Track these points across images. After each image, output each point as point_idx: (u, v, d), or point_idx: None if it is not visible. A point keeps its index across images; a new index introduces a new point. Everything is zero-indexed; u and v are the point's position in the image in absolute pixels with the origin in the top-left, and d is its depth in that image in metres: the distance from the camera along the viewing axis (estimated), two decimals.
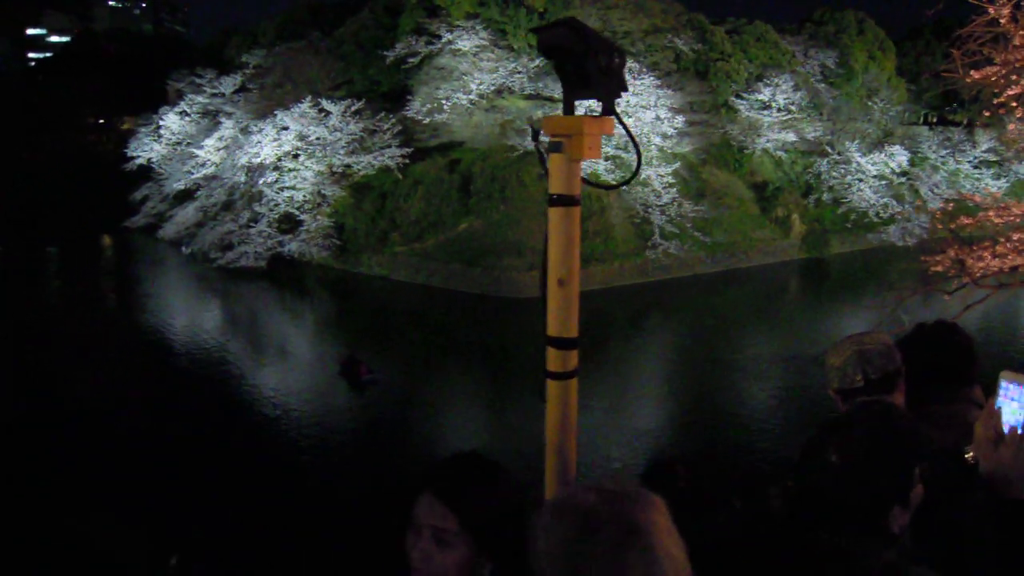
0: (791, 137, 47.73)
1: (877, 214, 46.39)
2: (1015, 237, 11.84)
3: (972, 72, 10.53)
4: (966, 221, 13.02)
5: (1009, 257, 11.77)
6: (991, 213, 12.45)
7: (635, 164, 2.96)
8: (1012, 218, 12.31)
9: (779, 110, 47.77)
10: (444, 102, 42.74)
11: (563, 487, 2.09)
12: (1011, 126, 10.77)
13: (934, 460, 2.41)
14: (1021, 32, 8.94)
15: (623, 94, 2.04)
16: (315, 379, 26.43)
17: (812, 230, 46.64)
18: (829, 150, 48.50)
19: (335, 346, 29.35)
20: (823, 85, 52.25)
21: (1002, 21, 9.54)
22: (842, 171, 47.67)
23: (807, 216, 46.94)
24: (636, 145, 2.34)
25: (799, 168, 48.64)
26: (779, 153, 48.24)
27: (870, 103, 53.61)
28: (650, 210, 39.90)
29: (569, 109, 2.03)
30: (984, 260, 11.98)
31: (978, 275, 12.34)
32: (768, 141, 47.40)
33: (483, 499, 2.03)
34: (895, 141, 50.60)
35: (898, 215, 45.08)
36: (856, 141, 48.79)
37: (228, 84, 52.08)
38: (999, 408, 1.87)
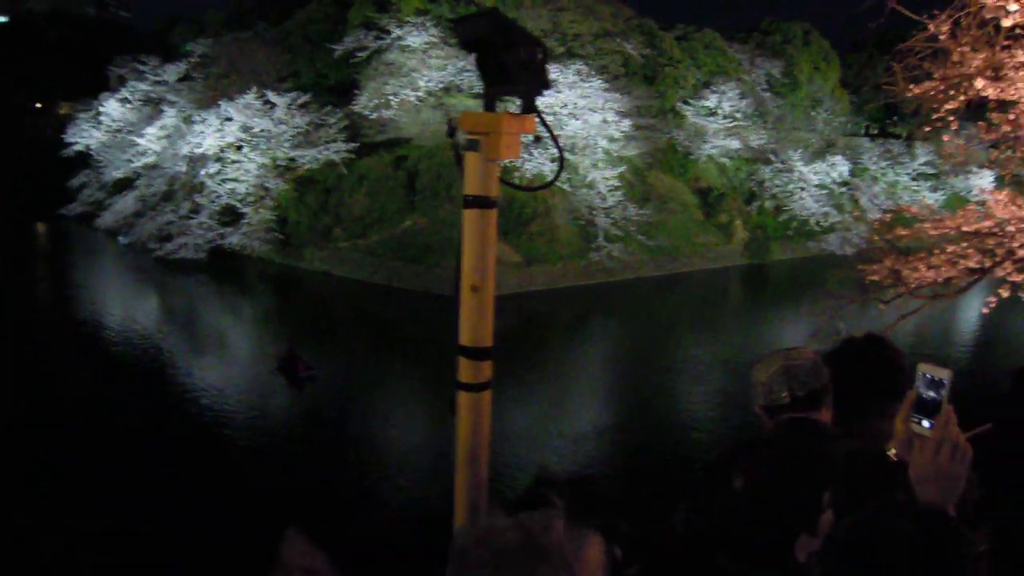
0: (736, 144, 48.32)
1: (818, 222, 47.21)
2: (949, 249, 12.00)
3: (912, 86, 10.63)
4: (902, 232, 13.17)
5: (943, 268, 11.92)
6: (927, 225, 12.59)
7: (570, 165, 2.84)
8: (946, 230, 12.47)
9: (725, 117, 48.33)
10: (391, 98, 42.40)
11: (485, 516, 1.98)
12: (946, 138, 10.92)
13: (854, 463, 2.36)
14: (959, 48, 9.03)
15: (545, 92, 1.94)
16: (253, 375, 26.03)
17: (754, 236, 47.24)
18: (772, 158, 49.19)
19: (274, 342, 28.96)
20: (768, 94, 52.97)
21: (941, 37, 9.62)
22: (785, 179, 48.41)
23: (750, 223, 47.55)
24: (558, 146, 2.24)
25: (743, 175, 49.24)
26: (724, 160, 48.79)
27: (814, 113, 54.51)
28: (595, 212, 40.07)
29: (489, 105, 1.92)
30: (919, 271, 12.12)
31: (913, 286, 12.48)
32: (713, 147, 47.91)
33: (354, 534, 1.88)
34: (837, 151, 51.51)
35: (838, 224, 45.93)
36: (799, 150, 49.56)
37: (172, 72, 51.11)
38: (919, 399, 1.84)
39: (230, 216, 41.02)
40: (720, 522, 2.60)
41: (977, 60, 8.85)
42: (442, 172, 39.72)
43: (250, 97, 41.94)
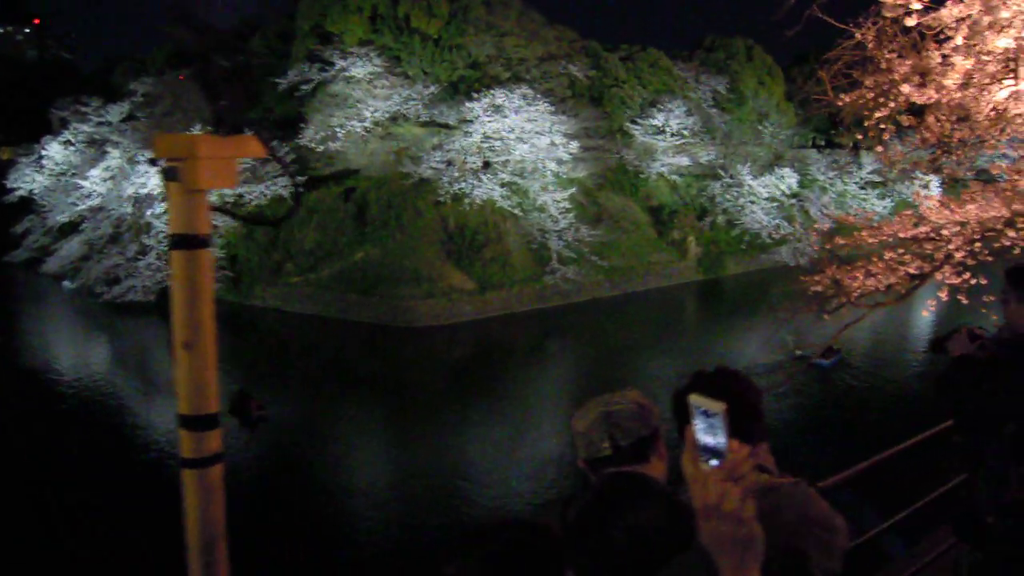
0: (685, 161, 48.56)
1: (769, 235, 47.47)
2: (887, 256, 11.98)
3: (843, 95, 10.58)
4: (841, 241, 13.13)
5: (881, 276, 11.87)
6: (864, 233, 12.56)
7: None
8: (884, 237, 12.45)
9: (673, 135, 48.58)
10: (338, 130, 42.14)
11: None
12: (879, 147, 10.86)
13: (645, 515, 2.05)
14: (887, 55, 8.98)
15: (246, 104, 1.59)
16: None
17: (708, 252, 47.40)
18: (722, 173, 49.50)
19: (227, 382, 28.40)
20: (715, 110, 53.32)
21: (868, 44, 9.56)
22: (735, 194, 48.70)
23: (703, 238, 47.69)
24: (290, 173, 1.94)
25: (694, 191, 49.46)
26: (674, 177, 49.00)
27: (760, 127, 54.93)
28: (547, 235, 39.97)
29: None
30: (858, 280, 12.06)
31: (855, 295, 12.40)
32: (663, 165, 48.13)
33: None
34: (785, 164, 51.95)
35: (789, 236, 46.24)
36: (748, 164, 49.90)
37: (115, 112, 50.35)
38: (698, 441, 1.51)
39: None
40: None
41: (904, 66, 8.81)
42: (392, 202, 39.50)
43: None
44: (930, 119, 8.57)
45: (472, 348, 34.97)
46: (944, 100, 7.66)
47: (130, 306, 38.55)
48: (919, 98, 8.88)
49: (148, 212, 41.04)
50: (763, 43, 58.90)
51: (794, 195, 50.78)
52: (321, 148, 42.46)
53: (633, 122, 48.50)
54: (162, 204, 40.91)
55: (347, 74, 43.34)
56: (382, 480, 20.70)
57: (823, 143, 63.79)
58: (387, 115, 43.18)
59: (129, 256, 40.89)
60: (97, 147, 49.77)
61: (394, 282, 36.80)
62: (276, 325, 37.93)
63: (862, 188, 54.64)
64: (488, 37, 45.97)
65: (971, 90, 7.09)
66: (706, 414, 1.49)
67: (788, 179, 50.04)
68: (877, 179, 54.21)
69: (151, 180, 41.16)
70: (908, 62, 8.91)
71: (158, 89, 49.45)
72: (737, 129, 53.48)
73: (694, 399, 1.51)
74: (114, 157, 46.64)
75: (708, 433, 1.49)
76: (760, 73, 57.15)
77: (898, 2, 5.65)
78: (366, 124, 42.80)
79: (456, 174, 39.49)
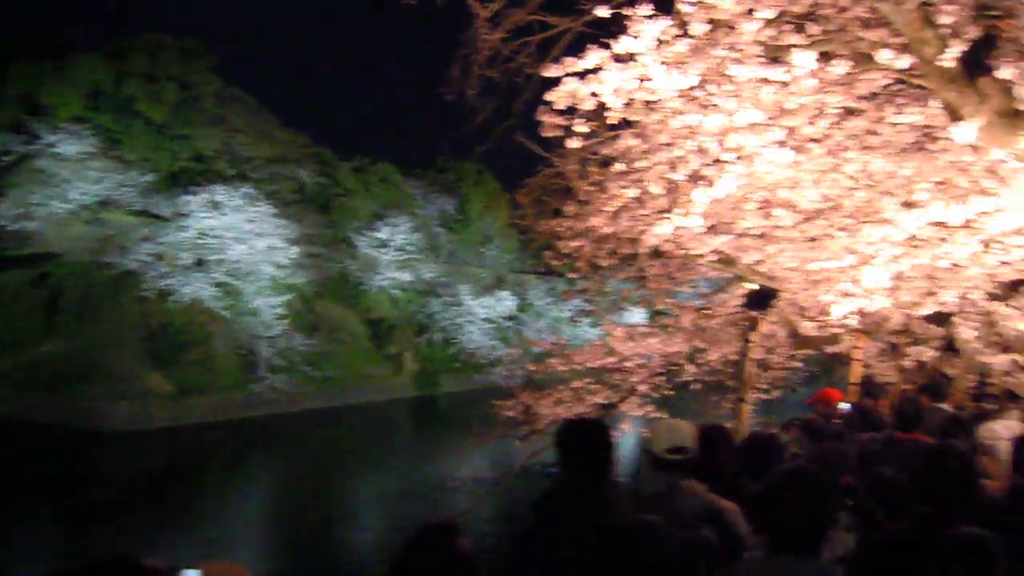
0: (408, 277, 48.80)
1: (485, 356, 48.20)
2: (574, 384, 12.16)
3: (541, 222, 10.62)
4: (532, 367, 13.31)
5: (569, 404, 11.99)
6: (555, 361, 12.76)
7: None
8: (575, 366, 12.69)
9: (397, 249, 48.77)
10: (37, 209, 38.75)
11: None
12: (571, 275, 11.02)
13: None
14: (586, 187, 9.02)
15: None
16: None
17: (424, 368, 47.45)
18: (442, 291, 50.10)
19: None
20: (441, 229, 54.34)
21: (569, 175, 9.62)
22: (454, 312, 49.42)
23: (419, 355, 47.76)
24: None
25: (414, 307, 49.63)
26: (395, 291, 48.98)
27: (483, 249, 56.43)
28: (258, 341, 38.39)
29: None
30: (548, 407, 12.10)
31: (545, 423, 12.39)
32: (385, 279, 48.02)
33: None
34: (506, 287, 53.48)
35: (503, 358, 47.16)
36: (470, 285, 50.87)
37: None
38: None
39: None
40: None
41: (603, 198, 8.86)
42: (91, 293, 36.69)
43: None
44: (584, 248, 8.70)
45: (164, 458, 32.42)
46: (605, 230, 7.71)
47: None
48: (608, 230, 8.97)
49: None
50: (494, 168, 61.17)
51: (511, 318, 52.18)
52: (15, 227, 38.78)
53: (359, 233, 48.28)
54: None
55: (55, 151, 40.21)
56: None
57: (542, 269, 66.50)
58: (96, 199, 40.33)
59: None
60: None
61: (84, 381, 33.79)
62: None
63: (576, 315, 57.02)
64: (217, 131, 44.57)
65: (633, 221, 7.14)
66: None
67: (506, 302, 51.48)
68: (590, 308, 56.81)
69: None
70: (606, 195, 8.97)
71: None
72: (462, 249, 54.68)
73: None
74: None
75: None
76: (488, 197, 59.05)
77: (557, 123, 5.49)
78: (71, 207, 39.70)
79: (165, 269, 37.28)
